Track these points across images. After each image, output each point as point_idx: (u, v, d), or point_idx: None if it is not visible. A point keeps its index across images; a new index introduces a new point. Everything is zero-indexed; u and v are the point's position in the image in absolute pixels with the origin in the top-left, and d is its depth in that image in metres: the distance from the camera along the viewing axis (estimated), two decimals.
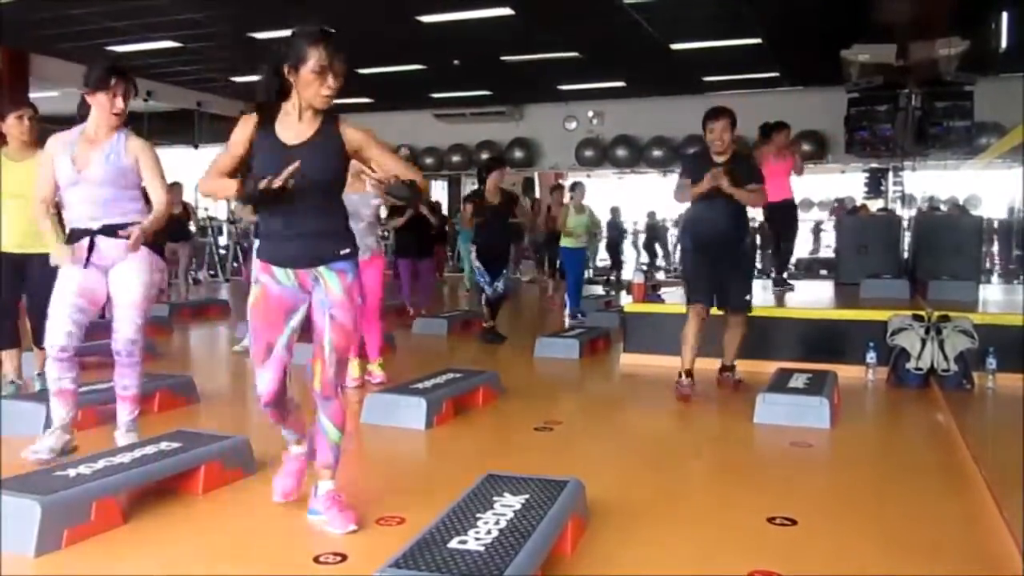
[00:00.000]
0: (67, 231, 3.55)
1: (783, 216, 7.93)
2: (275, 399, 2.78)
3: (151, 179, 3.58)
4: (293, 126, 2.67)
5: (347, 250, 2.71)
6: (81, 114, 3.56)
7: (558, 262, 10.07)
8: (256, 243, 2.87)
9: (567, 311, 9.24)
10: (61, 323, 3.43)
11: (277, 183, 2.49)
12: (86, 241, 3.48)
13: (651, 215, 17.74)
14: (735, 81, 13.59)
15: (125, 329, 3.52)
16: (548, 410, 4.75)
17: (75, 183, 3.47)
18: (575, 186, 9.74)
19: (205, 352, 7.85)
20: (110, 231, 3.48)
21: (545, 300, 10.85)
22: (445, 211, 18.00)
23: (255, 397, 2.79)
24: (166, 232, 9.91)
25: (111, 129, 3.53)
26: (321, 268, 2.69)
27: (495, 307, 7.44)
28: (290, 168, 2.50)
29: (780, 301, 7.00)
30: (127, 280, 3.52)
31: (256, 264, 2.79)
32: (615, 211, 17.27)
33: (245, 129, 2.68)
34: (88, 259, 3.48)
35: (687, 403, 4.90)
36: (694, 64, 12.65)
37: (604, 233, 17.90)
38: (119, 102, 3.52)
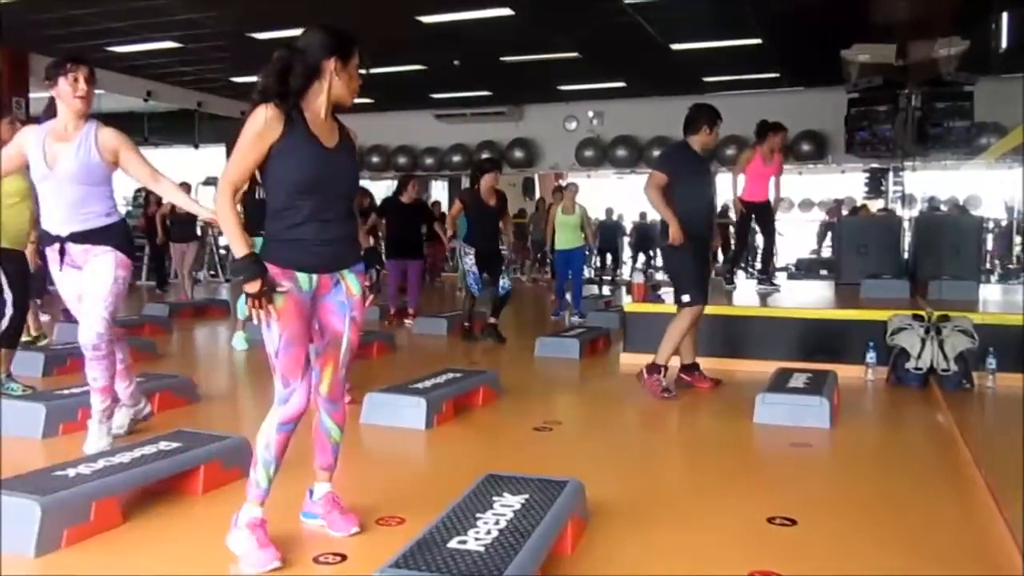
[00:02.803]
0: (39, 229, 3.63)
1: (766, 216, 7.88)
2: (301, 417, 2.59)
3: (139, 165, 3.60)
4: (322, 126, 2.53)
5: (362, 252, 2.71)
6: (49, 116, 3.58)
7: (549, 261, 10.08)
8: (258, 244, 2.53)
9: (562, 312, 9.15)
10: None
11: (265, 308, 2.44)
12: (57, 246, 3.53)
13: (642, 216, 17.68)
14: (735, 81, 13.59)
15: (91, 323, 3.52)
16: (548, 410, 4.75)
17: (45, 178, 3.49)
18: (568, 186, 9.67)
19: (205, 352, 7.85)
20: (77, 238, 3.51)
21: (548, 302, 10.82)
22: (445, 211, 18.05)
23: (284, 416, 2.51)
24: (166, 232, 9.97)
25: (79, 119, 3.51)
26: (344, 271, 2.64)
27: (499, 307, 7.41)
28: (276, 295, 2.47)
29: (767, 300, 7.00)
30: (95, 275, 3.55)
31: (271, 269, 2.49)
32: (609, 212, 17.25)
33: (273, 128, 2.43)
34: (62, 262, 3.55)
35: (674, 399, 4.95)
36: (694, 64, 12.64)
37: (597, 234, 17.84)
38: (82, 84, 3.50)
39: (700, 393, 5.17)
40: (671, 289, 5.32)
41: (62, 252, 3.52)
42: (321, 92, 2.51)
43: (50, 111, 3.57)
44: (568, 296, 9.36)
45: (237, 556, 2.47)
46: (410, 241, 8.65)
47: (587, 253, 9.77)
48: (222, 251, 15.31)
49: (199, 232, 10.91)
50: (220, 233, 15.96)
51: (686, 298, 4.96)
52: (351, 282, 2.65)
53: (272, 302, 2.45)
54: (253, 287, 2.42)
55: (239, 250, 2.43)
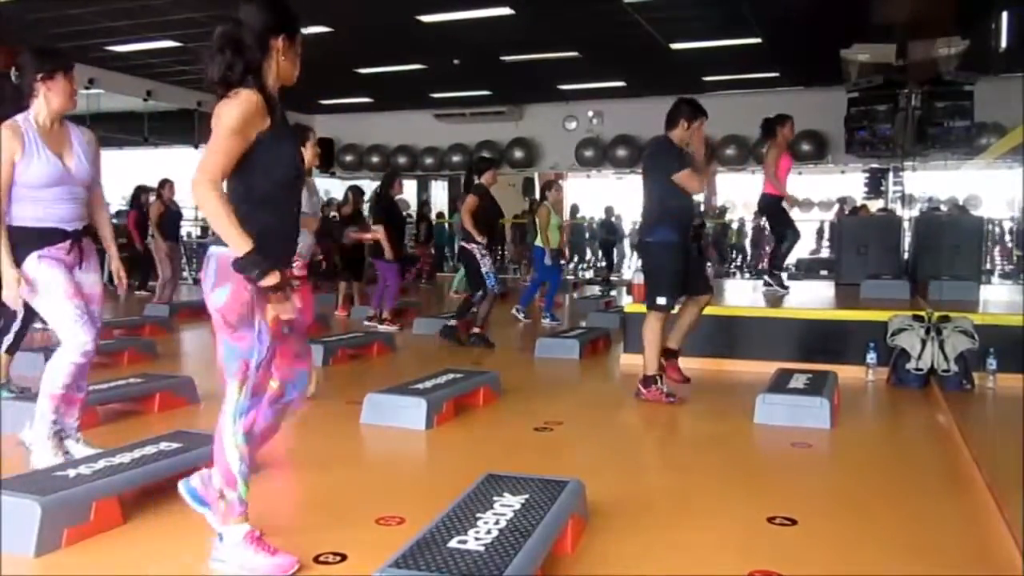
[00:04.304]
0: (29, 229, 3.29)
1: (780, 213, 7.76)
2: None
3: (98, 173, 3.50)
4: (277, 110, 2.36)
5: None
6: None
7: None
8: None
9: (548, 315, 8.94)
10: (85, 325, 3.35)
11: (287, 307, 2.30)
12: (71, 243, 3.37)
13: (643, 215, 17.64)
14: (735, 81, 13.60)
15: (96, 328, 3.44)
16: (548, 410, 4.74)
17: (61, 181, 3.31)
18: (550, 185, 9.56)
19: (205, 352, 7.84)
20: (84, 234, 3.42)
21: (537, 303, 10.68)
22: (445, 211, 18.07)
23: (247, 425, 2.39)
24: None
25: (62, 119, 3.37)
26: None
27: (490, 309, 7.32)
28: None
29: (779, 301, 6.99)
30: (93, 279, 3.47)
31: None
32: (608, 210, 17.23)
33: (259, 115, 2.26)
34: (81, 260, 3.42)
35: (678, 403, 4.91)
36: (694, 64, 12.65)
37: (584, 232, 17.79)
38: (75, 85, 3.40)
39: (701, 394, 5.15)
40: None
41: (81, 249, 3.40)
42: (270, 72, 2.35)
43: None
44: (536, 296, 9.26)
45: (242, 573, 2.38)
46: (400, 242, 8.60)
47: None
48: None
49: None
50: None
51: (662, 301, 4.85)
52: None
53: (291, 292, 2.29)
54: (274, 278, 2.22)
55: (242, 245, 2.18)
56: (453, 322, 7.37)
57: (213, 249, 2.36)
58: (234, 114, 2.22)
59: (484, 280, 7.09)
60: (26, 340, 4.61)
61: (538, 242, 8.99)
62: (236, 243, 2.20)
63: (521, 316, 8.90)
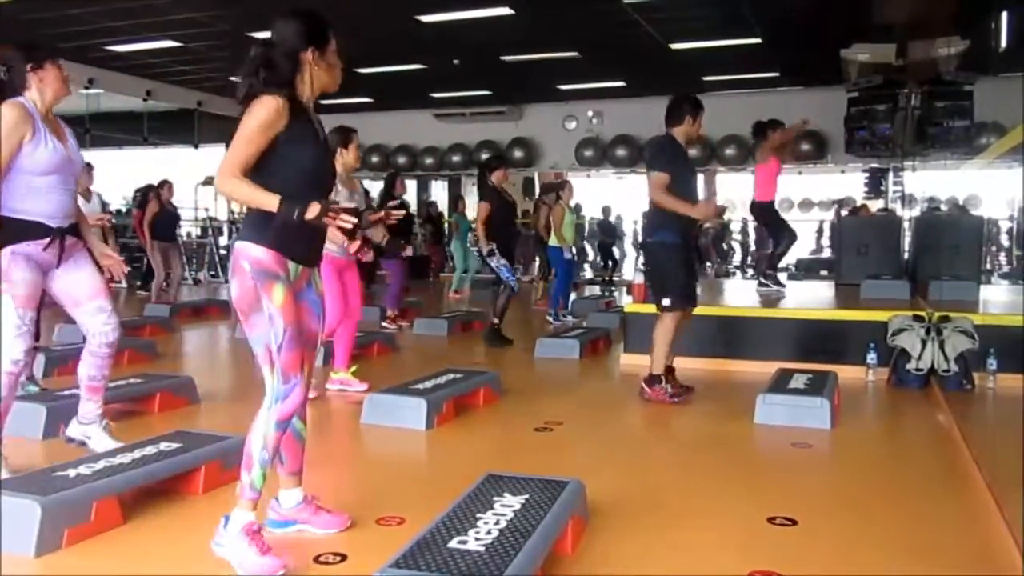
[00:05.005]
0: (10, 220, 3.14)
1: (774, 216, 7.75)
2: (297, 412, 2.55)
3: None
4: (311, 115, 2.52)
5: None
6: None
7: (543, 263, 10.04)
8: (246, 231, 2.47)
9: (553, 314, 8.94)
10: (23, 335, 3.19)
11: (346, 222, 2.38)
12: (58, 241, 3.24)
13: (645, 215, 17.63)
14: (735, 81, 13.61)
15: (114, 318, 3.42)
16: (548, 410, 4.75)
17: (60, 169, 3.21)
18: (563, 184, 9.55)
19: (205, 352, 7.85)
20: (71, 231, 3.31)
21: (536, 304, 10.65)
22: (444, 211, 18.07)
23: (283, 413, 2.45)
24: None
25: (52, 111, 3.29)
26: (314, 268, 2.60)
27: (506, 308, 7.31)
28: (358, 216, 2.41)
29: (779, 301, 6.99)
30: (87, 271, 3.39)
31: (264, 255, 2.41)
32: (606, 211, 17.22)
33: (279, 117, 2.37)
34: (61, 259, 3.28)
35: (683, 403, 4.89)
36: (694, 64, 12.65)
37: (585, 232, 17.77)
38: (65, 72, 3.33)
39: (701, 394, 5.14)
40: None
41: (62, 247, 3.28)
42: (304, 83, 2.49)
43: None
44: (562, 297, 9.28)
45: (232, 564, 2.40)
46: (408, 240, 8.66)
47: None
48: (222, 251, 15.31)
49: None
50: (219, 233, 16.00)
51: (666, 302, 4.78)
52: (317, 279, 2.63)
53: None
54: (315, 210, 2.31)
55: (271, 202, 2.31)
56: (498, 323, 7.28)
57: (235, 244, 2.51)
58: (260, 115, 2.36)
59: (498, 275, 7.15)
60: None
61: (552, 241, 8.99)
62: (266, 203, 2.34)
63: (569, 318, 8.89)
